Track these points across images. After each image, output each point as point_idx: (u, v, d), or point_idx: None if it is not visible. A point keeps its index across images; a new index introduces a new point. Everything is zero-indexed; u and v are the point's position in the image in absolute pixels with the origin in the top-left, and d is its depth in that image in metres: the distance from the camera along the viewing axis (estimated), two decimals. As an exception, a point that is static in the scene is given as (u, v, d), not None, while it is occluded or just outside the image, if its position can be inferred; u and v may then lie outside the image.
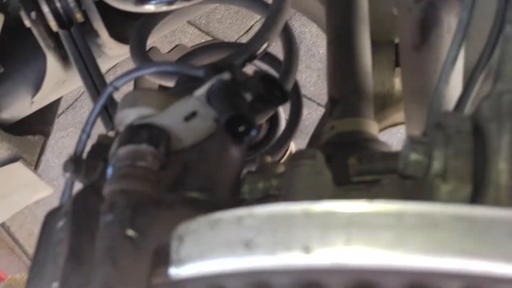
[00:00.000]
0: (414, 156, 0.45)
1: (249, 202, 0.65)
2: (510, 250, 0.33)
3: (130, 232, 0.42)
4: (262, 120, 0.55)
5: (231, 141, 0.43)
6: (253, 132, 0.44)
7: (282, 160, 1.12)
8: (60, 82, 1.02)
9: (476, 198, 0.44)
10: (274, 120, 1.14)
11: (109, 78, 0.89)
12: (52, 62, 0.93)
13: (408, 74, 0.73)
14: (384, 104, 0.91)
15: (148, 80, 0.85)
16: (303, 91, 2.28)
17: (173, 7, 0.63)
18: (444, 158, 0.44)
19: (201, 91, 0.45)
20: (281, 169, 0.74)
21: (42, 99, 1.02)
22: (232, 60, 0.71)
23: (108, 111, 0.74)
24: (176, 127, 0.48)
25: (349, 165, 0.61)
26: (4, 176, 1.00)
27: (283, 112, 1.17)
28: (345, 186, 0.60)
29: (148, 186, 0.44)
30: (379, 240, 0.33)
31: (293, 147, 1.19)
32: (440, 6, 0.58)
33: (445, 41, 0.63)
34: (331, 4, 0.85)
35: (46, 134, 1.10)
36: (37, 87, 0.99)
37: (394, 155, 0.60)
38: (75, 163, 0.53)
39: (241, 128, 0.44)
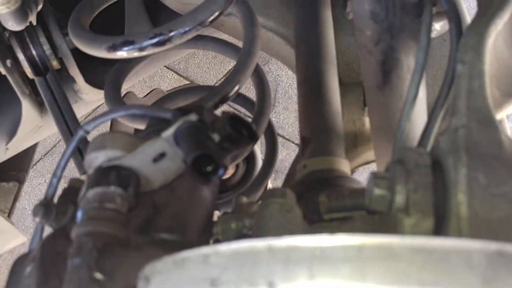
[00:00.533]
0: (377, 191, 0.47)
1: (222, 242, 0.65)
2: (467, 280, 0.34)
3: (98, 275, 0.41)
4: (236, 161, 0.56)
5: (199, 180, 0.44)
6: (221, 172, 0.45)
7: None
8: (36, 128, 1.03)
9: (439, 230, 0.45)
10: (250, 161, 1.16)
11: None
12: (27, 108, 0.94)
13: (374, 113, 0.75)
14: (355, 142, 0.93)
15: (123, 124, 0.86)
16: (282, 132, 2.32)
17: (144, 53, 0.65)
18: (405, 192, 0.45)
19: (169, 132, 0.46)
20: (256, 208, 0.75)
21: (17, 145, 1.02)
22: (204, 103, 0.73)
23: (81, 154, 0.75)
24: (145, 168, 0.48)
25: (319, 203, 0.62)
26: (-24, 224, 0.99)
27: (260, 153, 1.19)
28: (316, 224, 0.61)
29: (116, 228, 0.45)
30: (340, 273, 0.34)
31: (271, 186, 1.20)
32: (399, 49, 0.61)
33: (406, 81, 0.66)
34: (299, 47, 0.89)
35: (21, 181, 1.09)
36: (12, 133, 0.99)
37: (362, 192, 0.62)
38: (45, 208, 0.53)
39: (209, 168, 0.45)
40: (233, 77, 0.77)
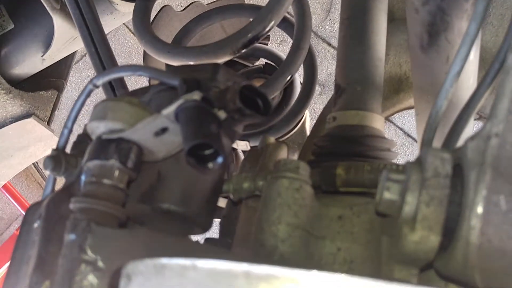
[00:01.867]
0: (387, 195, 0.43)
1: (233, 202, 0.65)
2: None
3: (89, 256, 0.42)
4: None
5: (195, 167, 0.42)
6: (219, 159, 0.42)
7: (296, 129, 1.09)
8: (71, 39, 1.01)
9: (446, 247, 0.42)
10: (288, 86, 1.11)
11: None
12: (59, 22, 0.92)
13: (416, 72, 0.68)
14: (399, 87, 0.86)
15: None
16: (334, 42, 2.15)
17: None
18: (416, 204, 0.41)
19: (170, 110, 0.43)
20: (282, 152, 0.72)
21: (53, 56, 1.02)
22: (231, 44, 0.68)
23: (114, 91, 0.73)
24: (146, 142, 0.47)
25: (336, 175, 0.58)
26: (18, 130, 1.03)
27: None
28: (328, 197, 0.58)
29: (113, 206, 0.44)
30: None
31: (307, 115, 1.16)
32: (450, 11, 0.53)
33: (456, 45, 0.58)
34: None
35: (60, 89, 1.11)
36: (47, 44, 0.98)
37: (382, 169, 0.58)
38: (55, 160, 0.53)
39: (208, 152, 0.42)
40: (264, 15, 0.70)
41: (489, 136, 0.41)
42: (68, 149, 0.56)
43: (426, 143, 0.54)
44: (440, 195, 0.41)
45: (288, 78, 0.85)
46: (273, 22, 0.71)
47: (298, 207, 0.51)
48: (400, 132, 1.88)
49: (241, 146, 0.97)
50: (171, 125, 0.45)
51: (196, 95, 0.44)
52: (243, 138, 0.98)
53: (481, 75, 0.55)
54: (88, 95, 0.53)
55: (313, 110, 1.90)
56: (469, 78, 0.63)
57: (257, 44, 1.14)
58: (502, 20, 0.85)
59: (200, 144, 0.42)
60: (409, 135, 1.88)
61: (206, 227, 0.53)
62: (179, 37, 0.93)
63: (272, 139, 0.74)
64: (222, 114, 0.46)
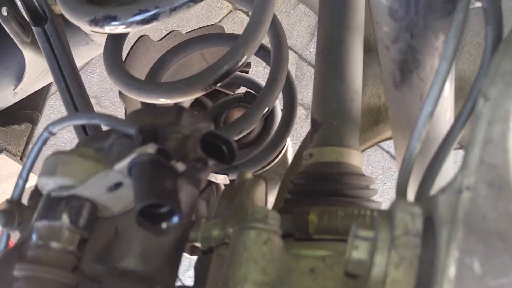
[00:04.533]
0: (355, 255, 0.40)
1: (202, 250, 0.61)
2: None
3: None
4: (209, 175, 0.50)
5: (148, 228, 0.39)
6: (175, 219, 0.40)
7: (278, 159, 1.06)
8: (44, 72, 0.98)
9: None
10: (269, 116, 1.08)
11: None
12: (30, 56, 0.89)
13: (391, 107, 0.65)
14: (378, 119, 0.83)
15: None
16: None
17: (129, 29, 0.57)
18: (385, 265, 0.38)
19: (122, 164, 0.41)
20: (260, 189, 0.69)
21: (25, 89, 0.99)
22: (202, 81, 0.66)
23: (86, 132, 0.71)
24: (99, 197, 0.44)
25: (308, 222, 0.56)
26: (-10, 166, 1.00)
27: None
28: (301, 246, 0.55)
29: (60, 273, 0.41)
30: None
31: (289, 144, 1.13)
32: (421, 50, 0.51)
33: (429, 81, 0.55)
34: (322, 8, 0.76)
35: (34, 121, 1.08)
36: (19, 77, 0.96)
37: (357, 216, 0.55)
38: (7, 215, 0.50)
39: (163, 210, 0.39)
40: (237, 49, 0.68)
41: (461, 190, 0.39)
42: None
43: (400, 188, 0.51)
44: (410, 255, 0.38)
45: (265, 111, 0.82)
46: (245, 57, 0.69)
47: (266, 262, 0.48)
48: (386, 155, 1.86)
49: (220, 180, 0.94)
50: (126, 180, 0.43)
51: (150, 148, 0.41)
52: (221, 171, 0.95)
53: (459, 105, 0.53)
54: (45, 142, 0.50)
55: (299, 135, 1.88)
56: (445, 112, 0.61)
57: (237, 73, 1.11)
58: (479, 48, 0.83)
59: (153, 203, 0.39)
60: (395, 158, 1.86)
61: (169, 286, 0.50)
62: (155, 69, 0.91)
63: (249, 175, 0.71)
64: (180, 166, 0.43)
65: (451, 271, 0.36)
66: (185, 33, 1.10)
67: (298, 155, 0.86)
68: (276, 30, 0.82)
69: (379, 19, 0.50)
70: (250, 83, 1.10)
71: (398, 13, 0.48)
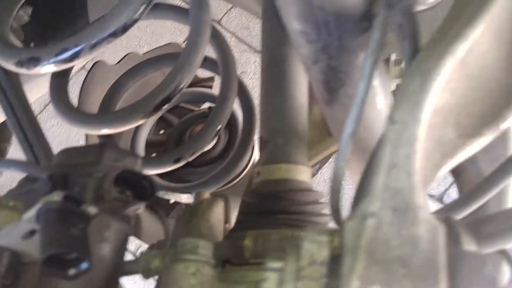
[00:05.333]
0: (265, 286, 0.40)
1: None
2: None
3: None
4: (135, 211, 0.50)
5: (55, 274, 0.39)
6: (84, 265, 0.39)
7: (242, 175, 1.06)
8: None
9: None
10: (233, 129, 1.08)
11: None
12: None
13: (329, 123, 0.65)
14: (329, 130, 0.83)
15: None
16: None
17: (55, 68, 0.57)
18: (292, 298, 0.38)
19: (30, 213, 0.41)
20: (217, 209, 0.69)
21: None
22: (137, 111, 0.65)
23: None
24: (17, 245, 0.43)
25: (244, 247, 0.56)
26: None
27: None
28: (237, 271, 0.55)
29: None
30: None
31: (256, 159, 1.13)
32: (342, 68, 0.50)
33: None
34: (265, 23, 0.76)
35: (3, 153, 1.08)
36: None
37: (291, 238, 0.55)
38: None
39: (72, 256, 0.39)
40: (174, 75, 0.68)
41: (365, 216, 0.38)
42: None
43: (333, 208, 0.52)
44: (316, 286, 0.38)
45: (218, 128, 0.82)
46: (185, 81, 0.69)
47: (194, 294, 0.48)
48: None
49: (184, 199, 0.94)
50: (38, 227, 0.43)
51: (56, 196, 0.41)
52: (185, 190, 0.95)
53: None
54: None
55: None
56: (381, 125, 0.61)
57: (199, 89, 1.12)
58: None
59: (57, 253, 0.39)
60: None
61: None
62: (109, 95, 0.91)
63: (206, 194, 0.72)
64: (92, 210, 0.43)
65: (352, 301, 0.36)
66: (143, 54, 1.10)
67: (250, 178, 0.86)
68: (222, 48, 0.82)
69: (296, 42, 0.50)
70: (213, 99, 1.10)
71: (311, 36, 0.48)
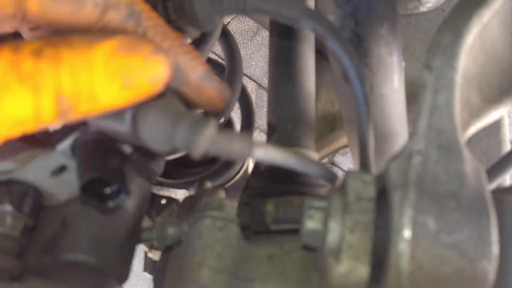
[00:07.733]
0: (310, 225, 0.40)
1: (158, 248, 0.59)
2: None
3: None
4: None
5: (93, 205, 0.37)
6: (122, 197, 0.38)
7: (240, 173, 1.05)
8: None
9: (378, 279, 0.38)
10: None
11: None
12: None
13: (343, 104, 0.66)
14: (333, 125, 0.84)
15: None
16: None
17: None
18: (339, 231, 0.38)
19: (64, 144, 0.39)
20: (220, 197, 0.68)
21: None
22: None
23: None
24: (43, 182, 0.41)
25: (265, 212, 0.55)
26: None
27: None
28: (259, 237, 0.54)
29: (2, 258, 0.38)
30: None
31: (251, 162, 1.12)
32: (367, 37, 0.52)
33: (377, 72, 0.57)
34: (273, 21, 0.78)
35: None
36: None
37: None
38: None
39: (107, 190, 0.38)
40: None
41: (411, 154, 0.39)
42: None
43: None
44: (364, 220, 0.37)
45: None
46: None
47: (222, 248, 0.46)
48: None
49: (180, 195, 0.92)
50: (70, 162, 0.41)
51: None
52: (181, 186, 0.93)
53: (412, 109, 0.54)
54: None
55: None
56: (396, 106, 0.62)
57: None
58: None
59: (99, 180, 0.38)
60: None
61: (122, 278, 0.48)
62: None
63: (208, 185, 0.70)
64: (127, 149, 0.42)
65: (406, 230, 0.35)
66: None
67: (256, 163, 0.85)
68: (229, 43, 0.83)
69: (324, 8, 0.52)
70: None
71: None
